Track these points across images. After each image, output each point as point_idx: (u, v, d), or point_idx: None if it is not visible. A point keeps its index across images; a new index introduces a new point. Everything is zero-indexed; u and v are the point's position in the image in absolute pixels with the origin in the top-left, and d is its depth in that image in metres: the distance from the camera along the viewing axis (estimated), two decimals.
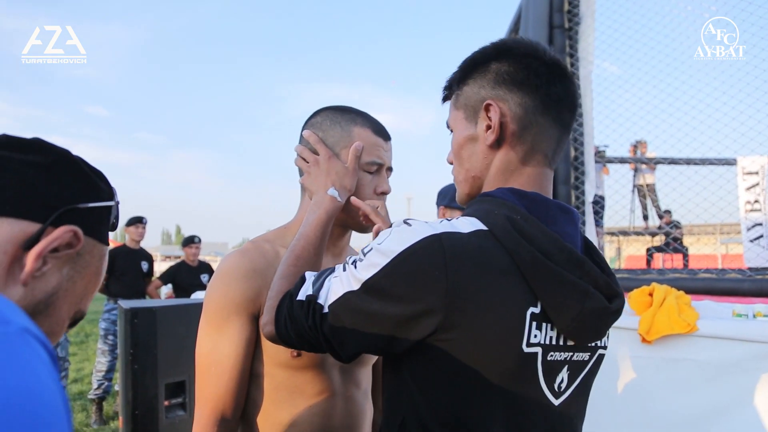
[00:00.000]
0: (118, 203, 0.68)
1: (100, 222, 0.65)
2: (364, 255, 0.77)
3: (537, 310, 0.74)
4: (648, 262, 7.20)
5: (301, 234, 1.00)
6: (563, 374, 0.79)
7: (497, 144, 0.83)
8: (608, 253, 6.59)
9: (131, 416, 2.08)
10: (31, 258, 0.56)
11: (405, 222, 0.77)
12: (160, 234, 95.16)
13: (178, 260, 6.15)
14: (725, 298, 2.38)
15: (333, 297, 0.77)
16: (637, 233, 7.49)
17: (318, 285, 0.82)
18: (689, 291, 2.24)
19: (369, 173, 1.11)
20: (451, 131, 0.90)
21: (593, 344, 0.83)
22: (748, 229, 6.13)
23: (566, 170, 2.96)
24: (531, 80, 0.81)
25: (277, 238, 1.13)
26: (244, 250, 1.07)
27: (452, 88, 0.90)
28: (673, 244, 5.74)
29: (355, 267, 0.77)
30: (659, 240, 7.25)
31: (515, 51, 0.83)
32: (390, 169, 1.15)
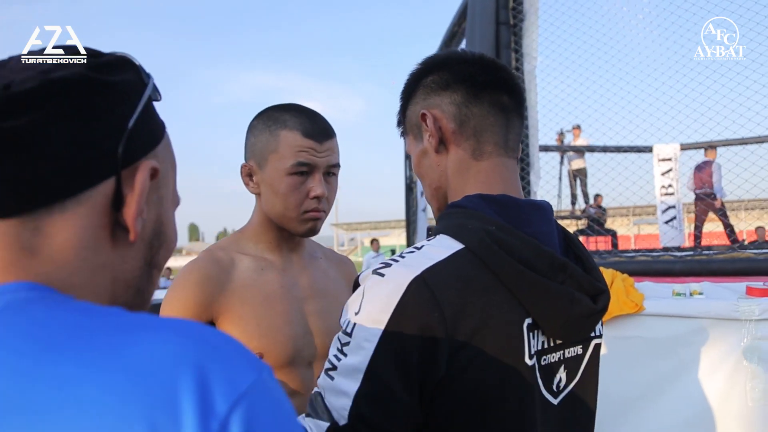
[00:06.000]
0: (151, 77, 0.53)
1: (152, 119, 0.52)
2: (347, 336, 0.68)
3: (530, 321, 0.73)
4: None
5: None
6: (561, 374, 0.79)
7: (443, 147, 0.83)
8: None
9: None
10: (131, 222, 0.48)
11: (376, 273, 0.70)
12: None
13: None
14: (661, 278, 2.60)
15: (339, 407, 0.67)
16: (562, 217, 7.93)
17: (321, 410, 0.70)
18: (630, 273, 2.43)
19: (298, 175, 1.09)
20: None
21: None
22: (663, 212, 6.68)
23: None
24: (455, 78, 0.82)
25: (231, 245, 1.16)
26: (197, 259, 1.12)
27: (401, 119, 0.91)
28: (596, 226, 6.14)
29: (339, 359, 0.68)
30: (585, 224, 7.72)
31: (436, 61, 0.85)
32: (334, 166, 1.13)
